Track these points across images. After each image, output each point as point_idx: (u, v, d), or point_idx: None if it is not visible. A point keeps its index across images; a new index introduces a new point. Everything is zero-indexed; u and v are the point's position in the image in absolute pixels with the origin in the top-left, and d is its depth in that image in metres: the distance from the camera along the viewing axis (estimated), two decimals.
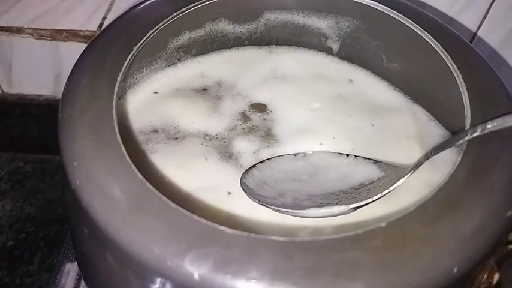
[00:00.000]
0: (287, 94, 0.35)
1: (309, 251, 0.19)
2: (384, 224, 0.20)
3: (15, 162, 0.57)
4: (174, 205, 0.20)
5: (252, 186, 0.27)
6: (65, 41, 0.49)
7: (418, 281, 0.19)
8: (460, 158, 0.23)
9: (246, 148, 0.31)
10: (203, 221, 0.19)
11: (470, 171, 0.23)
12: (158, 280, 0.19)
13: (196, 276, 0.18)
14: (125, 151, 0.21)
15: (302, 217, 0.25)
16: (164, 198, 0.20)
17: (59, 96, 0.55)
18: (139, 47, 0.27)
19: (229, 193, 0.28)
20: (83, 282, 0.41)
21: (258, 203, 0.25)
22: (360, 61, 0.38)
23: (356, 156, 0.30)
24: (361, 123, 0.33)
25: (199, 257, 0.18)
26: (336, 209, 0.24)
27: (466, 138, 0.23)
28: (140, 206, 0.20)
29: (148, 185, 0.20)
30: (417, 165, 0.25)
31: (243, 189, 0.27)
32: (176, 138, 0.31)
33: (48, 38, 0.49)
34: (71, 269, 0.42)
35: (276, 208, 0.25)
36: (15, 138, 0.58)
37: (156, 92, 0.34)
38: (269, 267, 0.18)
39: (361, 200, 0.24)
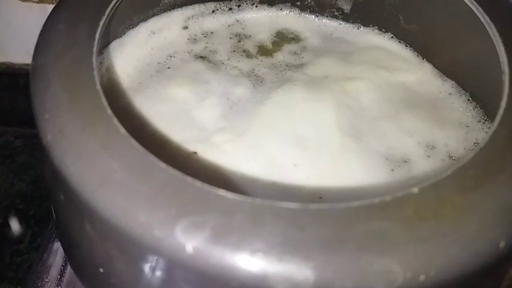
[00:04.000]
0: None
1: (327, 221, 0.15)
2: (416, 190, 0.17)
3: (4, 137, 0.56)
4: (163, 164, 0.16)
5: None
6: (53, 3, 0.46)
7: (458, 256, 0.16)
8: (500, 116, 0.20)
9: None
10: (198, 183, 0.16)
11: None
12: (144, 254, 0.16)
13: (189, 248, 0.15)
14: (105, 101, 0.18)
15: None
16: (151, 156, 0.17)
17: None
18: None
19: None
20: None
21: None
22: (373, 23, 0.35)
23: None
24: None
25: (193, 226, 0.15)
26: None
27: None
28: (122, 164, 0.16)
29: (132, 140, 0.17)
30: None
31: None
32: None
33: (35, 0, 0.46)
34: (60, 248, 0.40)
35: None
36: (4, 111, 0.56)
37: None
38: (278, 238, 0.15)
39: None
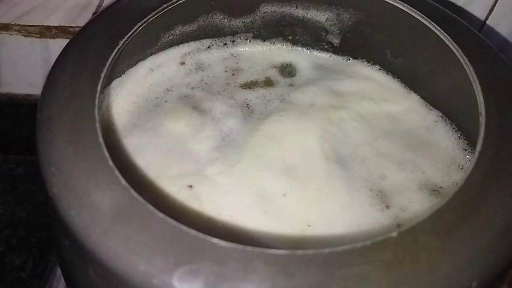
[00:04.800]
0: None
1: (312, 266, 0.17)
2: (394, 234, 0.18)
3: (6, 165, 0.56)
4: (161, 215, 0.18)
5: None
6: (54, 38, 0.47)
7: None
8: (475, 160, 0.21)
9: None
10: (193, 232, 0.17)
11: (487, 175, 0.21)
12: None
13: None
14: (107, 154, 0.19)
15: None
16: (150, 207, 0.18)
17: None
18: (126, 40, 0.25)
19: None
20: None
21: None
22: (362, 56, 0.37)
23: None
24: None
25: (189, 274, 0.16)
26: None
27: None
28: (123, 216, 0.18)
29: (133, 192, 0.18)
30: None
31: None
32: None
33: (37, 35, 0.47)
34: None
35: None
36: (6, 139, 0.56)
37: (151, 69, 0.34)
38: (268, 285, 0.16)
39: None
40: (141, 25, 0.27)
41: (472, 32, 0.30)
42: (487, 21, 0.41)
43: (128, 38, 0.25)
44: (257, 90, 0.35)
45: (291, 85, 0.36)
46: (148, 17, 0.27)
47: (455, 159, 0.30)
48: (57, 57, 0.24)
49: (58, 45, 0.47)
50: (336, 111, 0.32)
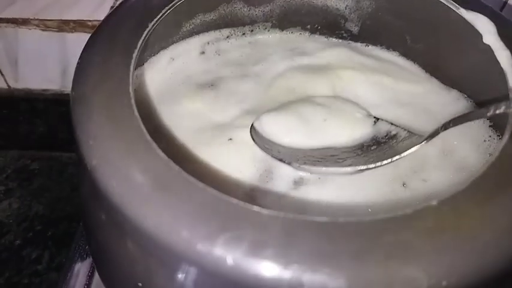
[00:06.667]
0: None
1: (354, 233, 0.17)
2: (434, 203, 0.18)
3: (22, 160, 0.57)
4: (201, 184, 0.18)
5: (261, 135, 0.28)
6: (72, 32, 0.48)
7: (476, 263, 0.17)
8: (510, 131, 0.21)
9: None
10: (234, 201, 0.17)
11: None
12: (186, 267, 0.17)
13: (229, 260, 0.16)
14: (144, 128, 0.19)
15: (311, 173, 0.26)
16: (190, 177, 0.18)
17: (67, 90, 0.54)
18: (155, 23, 0.25)
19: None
20: (94, 281, 0.39)
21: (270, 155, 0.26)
22: (381, 43, 0.37)
23: (375, 118, 0.30)
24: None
25: (233, 240, 0.16)
26: (344, 169, 0.25)
27: (489, 114, 0.23)
28: (164, 186, 0.18)
29: (172, 163, 0.18)
30: (433, 134, 0.25)
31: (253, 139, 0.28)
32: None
33: (55, 29, 0.48)
34: (82, 268, 0.40)
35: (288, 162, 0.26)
36: (22, 134, 0.57)
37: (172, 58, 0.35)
38: (311, 250, 0.16)
39: (370, 163, 0.25)
40: (169, 9, 0.27)
41: (495, 13, 0.30)
42: (508, 1, 0.41)
43: (156, 20, 0.26)
44: (270, 66, 0.36)
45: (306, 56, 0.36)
46: (176, 1, 0.27)
47: (476, 130, 0.30)
48: (89, 39, 0.25)
49: (76, 39, 0.48)
50: (348, 70, 0.33)
